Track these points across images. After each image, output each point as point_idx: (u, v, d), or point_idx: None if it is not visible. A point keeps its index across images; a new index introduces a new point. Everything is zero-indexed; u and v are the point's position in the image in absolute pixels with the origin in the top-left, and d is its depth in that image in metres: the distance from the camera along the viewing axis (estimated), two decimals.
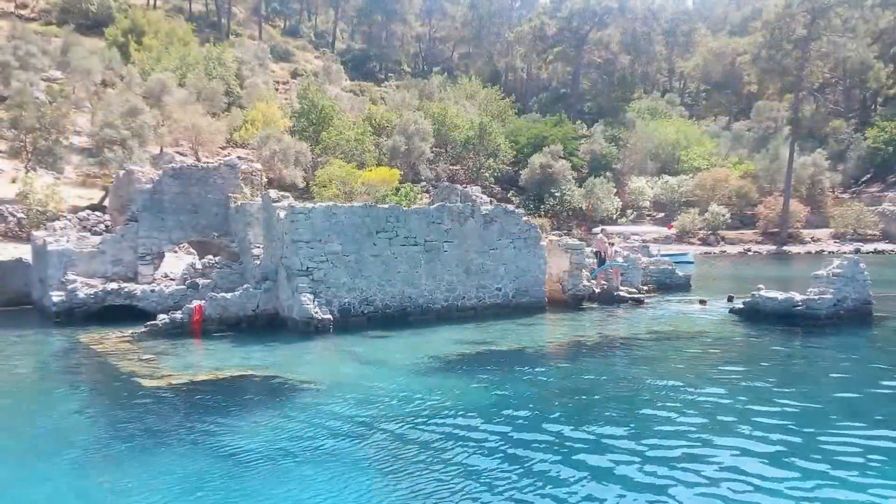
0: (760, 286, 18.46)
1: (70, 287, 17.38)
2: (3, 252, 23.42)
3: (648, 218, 57.14)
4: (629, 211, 55.82)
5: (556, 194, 52.57)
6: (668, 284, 24.87)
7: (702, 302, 21.04)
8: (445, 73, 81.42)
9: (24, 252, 21.70)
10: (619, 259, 22.43)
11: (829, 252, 44.57)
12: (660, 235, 48.61)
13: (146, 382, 11.49)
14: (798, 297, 17.25)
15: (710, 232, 53.76)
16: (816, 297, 16.93)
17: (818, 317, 16.69)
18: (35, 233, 20.50)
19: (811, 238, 54.12)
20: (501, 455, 8.12)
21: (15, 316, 18.53)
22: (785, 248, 51.44)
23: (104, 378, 12.26)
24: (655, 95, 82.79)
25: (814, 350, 15.01)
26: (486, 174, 53.65)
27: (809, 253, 48.83)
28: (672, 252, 37.92)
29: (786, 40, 56.89)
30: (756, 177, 60.26)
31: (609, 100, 77.43)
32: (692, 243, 51.45)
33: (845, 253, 28.98)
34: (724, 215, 54.21)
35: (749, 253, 50.67)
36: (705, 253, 48.00)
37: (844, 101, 73.71)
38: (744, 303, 18.28)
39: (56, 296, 17.23)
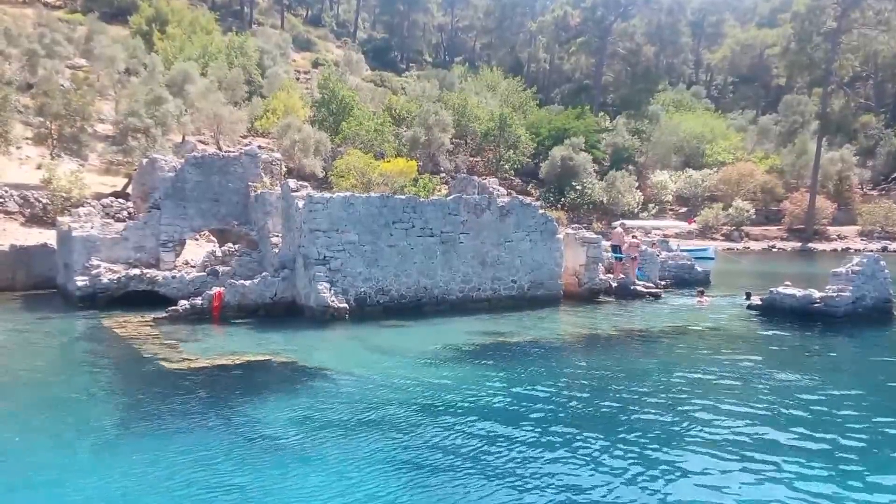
0: (787, 283, 18.23)
1: (93, 272, 17.75)
2: (28, 237, 23.97)
3: (671, 212, 56.52)
4: (651, 205, 55.23)
5: (577, 187, 52.20)
6: (687, 280, 24.65)
7: (700, 293, 20.83)
8: (467, 64, 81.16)
9: (48, 237, 22.19)
10: (633, 252, 22.19)
11: (855, 250, 43.68)
12: (681, 230, 48.09)
13: (167, 365, 11.77)
14: (816, 294, 17.02)
15: (733, 227, 53.00)
16: (835, 295, 16.67)
17: (836, 315, 16.44)
18: (60, 218, 20.95)
19: (838, 235, 53.07)
20: (513, 444, 8.18)
21: (40, 299, 19.00)
22: (810, 245, 50.53)
23: (126, 361, 12.55)
24: (681, 88, 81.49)
25: (830, 348, 14.80)
26: (506, 166, 53.42)
27: (835, 250, 47.91)
28: (692, 247, 37.45)
29: (816, 32, 55.63)
30: (782, 172, 59.16)
31: (633, 92, 76.43)
32: (715, 239, 50.80)
33: (871, 251, 28.40)
34: (748, 211, 53.36)
35: (773, 250, 49.88)
36: (728, 249, 47.35)
37: (875, 95, 71.87)
38: (761, 299, 18.07)
39: (80, 280, 17.61)
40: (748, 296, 19.33)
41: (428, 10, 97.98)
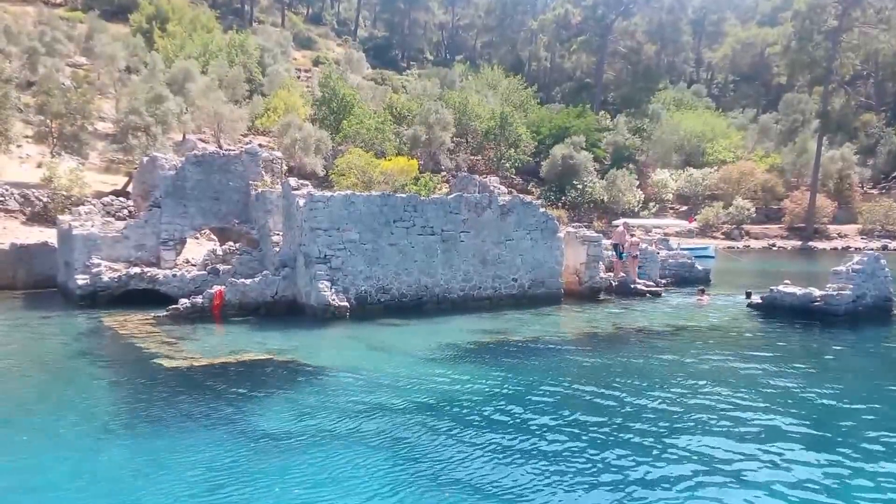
0: (787, 281, 18.24)
1: (94, 271, 17.76)
2: (29, 235, 23.97)
3: (671, 211, 56.54)
4: (651, 204, 55.24)
5: (578, 186, 52.23)
6: (688, 278, 24.67)
7: (700, 291, 20.87)
8: (468, 62, 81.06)
9: (49, 236, 22.19)
10: (635, 251, 22.20)
11: (856, 249, 43.71)
12: (682, 229, 48.09)
13: (168, 364, 11.77)
14: (817, 292, 17.02)
15: (734, 226, 53.02)
16: (835, 293, 16.67)
17: (836, 313, 16.45)
18: (61, 217, 20.95)
19: (838, 234, 53.10)
20: (518, 441, 8.19)
21: (40, 298, 19.01)
22: (811, 243, 50.54)
23: (127, 359, 12.56)
24: (681, 86, 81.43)
25: (830, 346, 14.80)
26: (507, 165, 53.43)
27: (836, 249, 47.94)
28: (692, 245, 37.46)
29: (816, 31, 55.59)
30: (783, 171, 59.19)
31: (633, 90, 76.48)
32: (715, 237, 50.82)
33: (871, 250, 28.39)
34: (748, 209, 53.37)
35: (774, 248, 49.89)
36: (728, 247, 47.38)
37: (876, 94, 71.84)
38: (762, 297, 18.08)
39: (81, 279, 17.62)
40: (748, 294, 19.35)
41: (429, 9, 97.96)
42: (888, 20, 57.39)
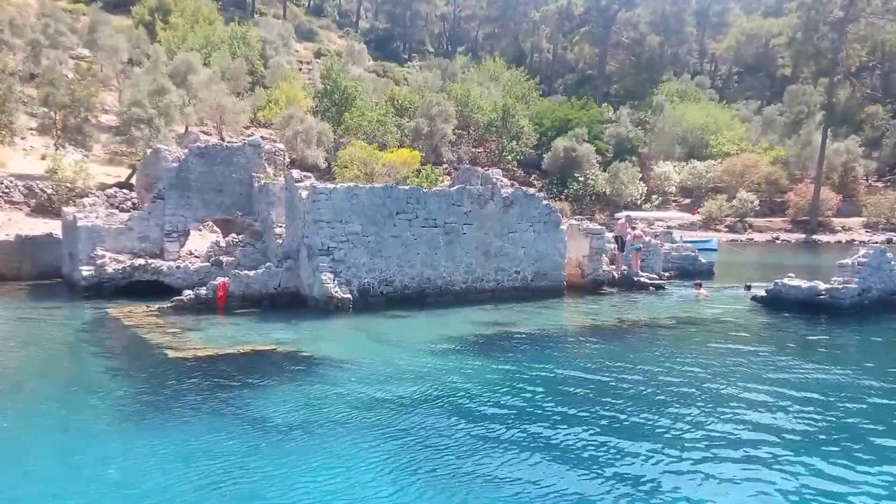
0: (791, 274, 18.20)
1: (99, 262, 17.82)
2: (33, 227, 24.04)
3: (674, 204, 56.41)
4: (654, 196, 55.12)
5: (580, 178, 52.13)
6: (691, 271, 24.63)
7: (697, 285, 20.85)
8: (469, 54, 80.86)
9: (54, 227, 22.25)
10: (638, 243, 22.19)
11: (860, 242, 43.60)
12: (685, 222, 48.03)
13: (172, 354, 11.81)
14: (822, 285, 16.97)
15: (737, 219, 52.90)
16: (840, 287, 16.62)
17: (842, 307, 16.40)
18: (65, 209, 21.00)
19: (842, 227, 52.97)
20: (514, 435, 8.21)
21: (45, 289, 19.07)
22: (815, 236, 50.44)
23: (132, 350, 12.62)
24: (685, 78, 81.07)
25: (836, 339, 14.78)
26: (509, 157, 53.34)
27: (840, 242, 47.83)
28: (695, 238, 37.41)
29: (822, 22, 55.25)
30: (787, 163, 58.99)
31: (637, 82, 76.23)
32: (719, 230, 50.73)
33: (876, 243, 28.32)
34: (752, 202, 53.26)
35: (777, 241, 49.80)
36: (732, 240, 47.28)
37: (882, 85, 71.40)
38: (766, 290, 18.04)
39: (85, 270, 17.68)
40: (748, 287, 19.34)
41: (430, 0, 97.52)
42: (895, 10, 56.96)
